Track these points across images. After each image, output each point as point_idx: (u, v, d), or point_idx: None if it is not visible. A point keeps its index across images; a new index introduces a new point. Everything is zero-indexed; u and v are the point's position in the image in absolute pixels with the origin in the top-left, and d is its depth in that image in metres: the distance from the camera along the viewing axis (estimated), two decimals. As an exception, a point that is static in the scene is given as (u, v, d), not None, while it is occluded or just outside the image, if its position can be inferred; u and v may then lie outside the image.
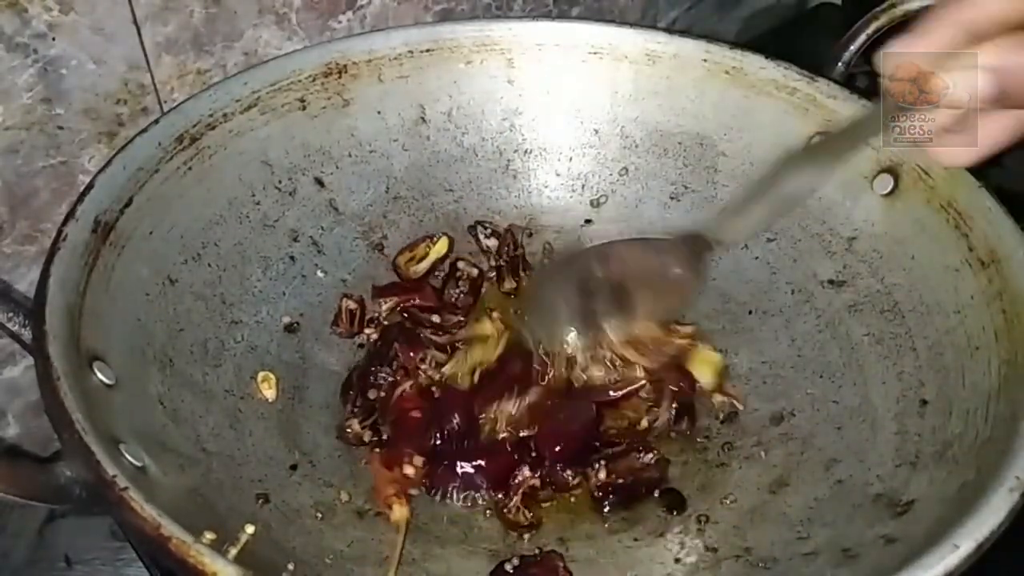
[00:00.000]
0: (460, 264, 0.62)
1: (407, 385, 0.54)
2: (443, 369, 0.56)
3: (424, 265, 0.62)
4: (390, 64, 0.63)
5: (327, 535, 0.47)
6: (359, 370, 0.56)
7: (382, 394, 0.54)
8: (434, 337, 0.57)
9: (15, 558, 0.57)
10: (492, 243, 0.63)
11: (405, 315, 0.60)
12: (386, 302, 0.60)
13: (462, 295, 0.61)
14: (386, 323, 0.59)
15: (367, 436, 0.52)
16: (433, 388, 0.55)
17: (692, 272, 0.52)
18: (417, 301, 0.60)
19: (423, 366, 0.56)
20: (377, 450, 0.52)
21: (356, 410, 0.54)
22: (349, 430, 0.52)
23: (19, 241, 0.56)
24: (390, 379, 0.55)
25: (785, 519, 0.48)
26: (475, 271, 0.62)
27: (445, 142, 0.65)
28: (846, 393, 0.53)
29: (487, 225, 0.64)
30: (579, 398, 0.53)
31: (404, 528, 0.48)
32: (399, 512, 0.49)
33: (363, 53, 0.62)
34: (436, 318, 0.59)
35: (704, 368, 0.56)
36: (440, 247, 0.63)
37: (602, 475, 0.50)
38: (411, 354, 0.55)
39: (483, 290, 0.63)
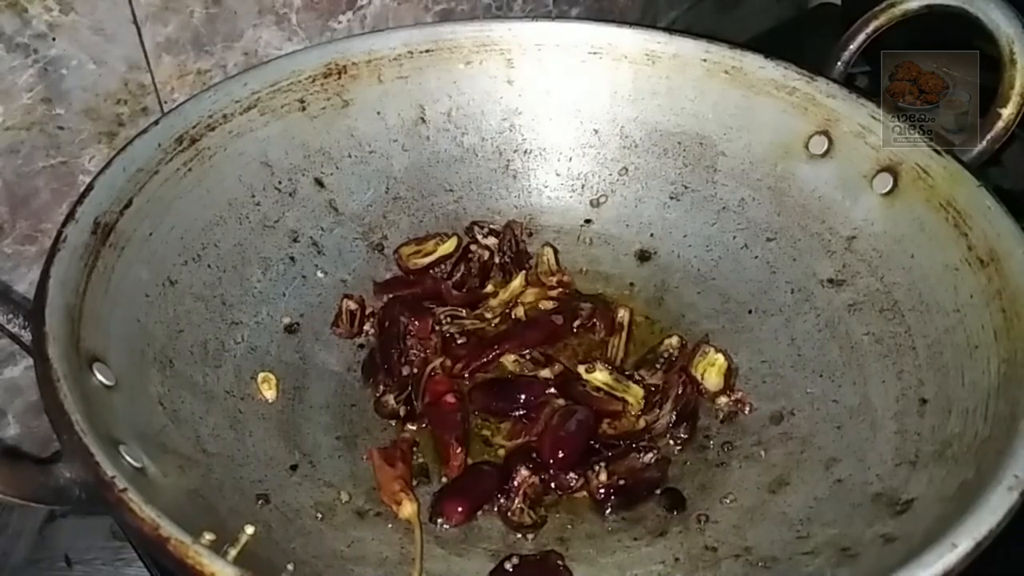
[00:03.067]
0: (472, 247, 0.63)
1: (437, 363, 0.56)
2: (465, 322, 0.59)
3: (427, 260, 0.62)
4: (390, 64, 0.63)
5: (327, 535, 0.47)
6: (379, 350, 0.57)
7: (415, 370, 0.56)
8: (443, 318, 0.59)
9: (15, 558, 0.57)
10: (491, 241, 0.63)
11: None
12: (387, 297, 0.60)
13: (470, 277, 0.62)
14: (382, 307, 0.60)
15: (402, 411, 0.54)
16: (457, 337, 0.58)
17: None
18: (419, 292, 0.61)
19: (438, 327, 0.58)
20: (386, 443, 0.53)
21: (390, 385, 0.55)
22: (385, 405, 0.54)
23: (19, 241, 0.56)
24: (421, 355, 0.57)
25: (785, 518, 0.48)
26: (486, 253, 0.63)
27: (445, 142, 0.65)
28: (846, 392, 0.53)
29: (483, 224, 0.64)
30: (578, 403, 0.54)
31: (418, 523, 0.48)
32: (408, 508, 0.48)
33: (363, 54, 0.62)
34: (440, 307, 0.60)
35: (710, 371, 0.56)
36: (448, 246, 0.63)
37: (603, 476, 0.50)
38: (417, 322, 0.57)
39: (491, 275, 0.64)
